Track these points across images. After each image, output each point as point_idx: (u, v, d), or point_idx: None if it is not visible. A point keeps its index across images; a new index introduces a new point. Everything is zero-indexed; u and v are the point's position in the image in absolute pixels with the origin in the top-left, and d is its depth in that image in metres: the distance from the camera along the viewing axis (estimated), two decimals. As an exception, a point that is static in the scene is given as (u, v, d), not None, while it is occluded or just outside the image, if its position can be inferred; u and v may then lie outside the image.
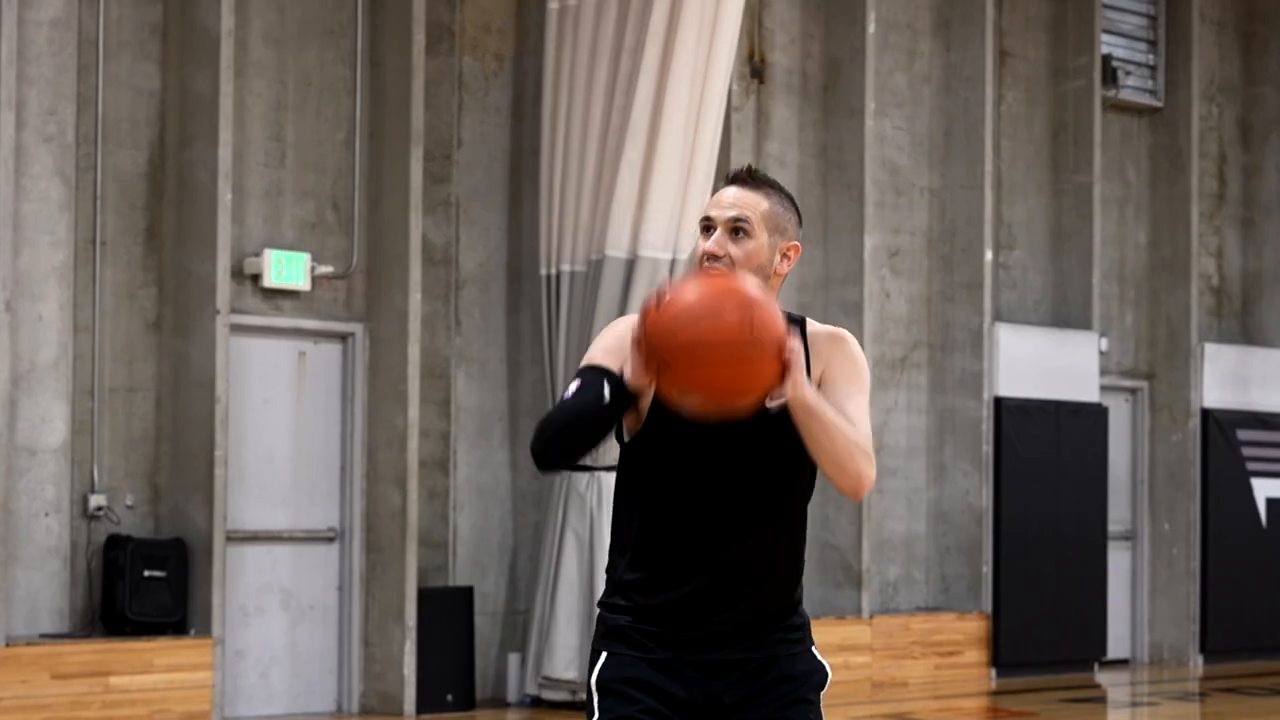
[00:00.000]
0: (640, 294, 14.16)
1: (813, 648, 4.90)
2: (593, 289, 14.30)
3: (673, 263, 14.29)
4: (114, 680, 12.74)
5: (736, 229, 4.71)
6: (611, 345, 4.71)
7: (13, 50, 12.55)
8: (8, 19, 12.47)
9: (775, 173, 16.31)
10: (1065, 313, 18.44)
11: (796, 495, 4.79)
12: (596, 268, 14.30)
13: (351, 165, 14.42)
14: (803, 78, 17.02)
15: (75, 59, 13.32)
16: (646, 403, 4.64)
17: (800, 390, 4.45)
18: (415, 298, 14.09)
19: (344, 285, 14.35)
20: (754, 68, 16.72)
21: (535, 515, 14.83)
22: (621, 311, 14.21)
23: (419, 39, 14.21)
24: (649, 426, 4.69)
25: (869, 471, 4.61)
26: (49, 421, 13.11)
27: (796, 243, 4.82)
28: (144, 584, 12.95)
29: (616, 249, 14.24)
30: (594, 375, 4.59)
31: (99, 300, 13.32)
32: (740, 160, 16.22)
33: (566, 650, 14.25)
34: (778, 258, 4.77)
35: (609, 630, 4.81)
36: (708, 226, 4.75)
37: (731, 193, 4.77)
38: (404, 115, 14.18)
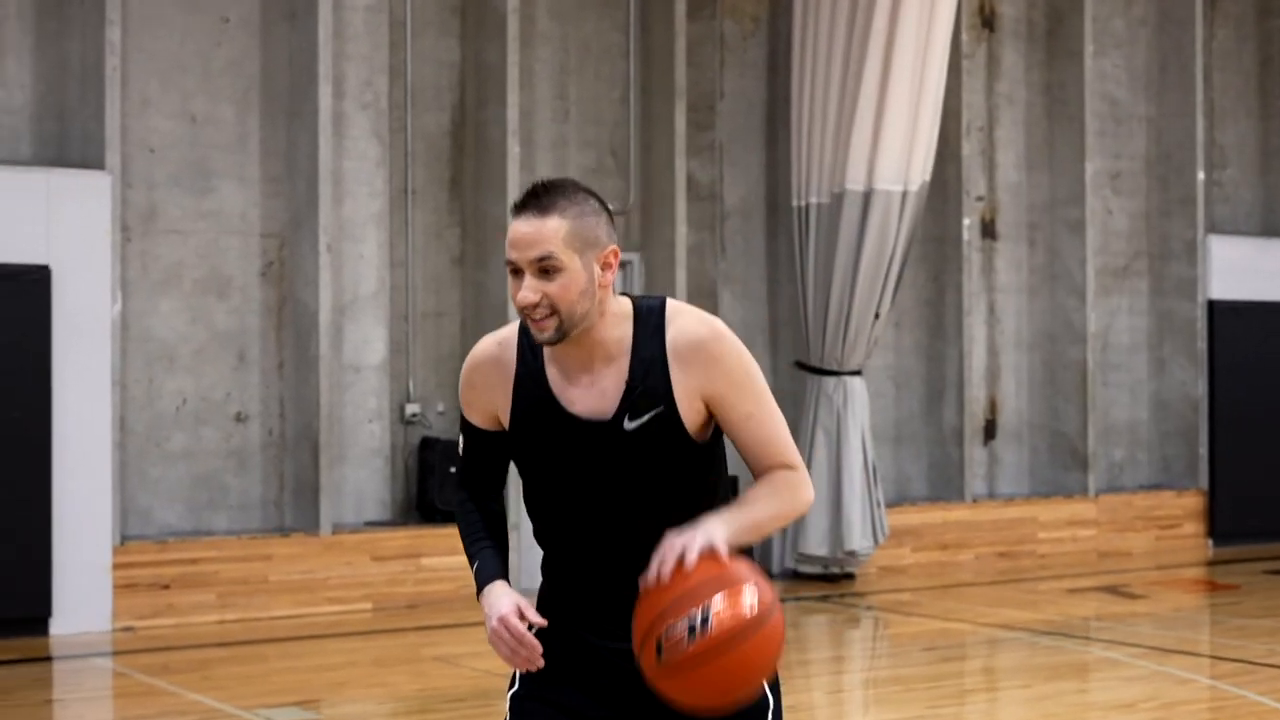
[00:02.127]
0: (876, 223, 13.42)
1: None
2: (834, 218, 13.60)
3: (904, 194, 13.49)
4: (425, 561, 12.44)
5: (544, 269, 3.55)
6: (464, 401, 3.81)
7: (328, 33, 12.22)
8: (324, 6, 12.14)
9: (1005, 111, 15.40)
10: (1274, 223, 17.18)
11: (682, 490, 3.69)
12: (838, 199, 13.58)
13: (626, 118, 13.87)
14: (1028, 25, 15.99)
15: (387, 37, 12.97)
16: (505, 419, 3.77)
17: (718, 542, 3.45)
18: (682, 230, 13.54)
19: (622, 221, 13.83)
20: (985, 19, 15.75)
21: (792, 413, 14.15)
22: (859, 239, 13.48)
23: (682, 7, 13.60)
24: (513, 434, 3.75)
25: (807, 500, 3.73)
26: (370, 343, 12.84)
27: (613, 247, 3.65)
28: (450, 479, 12.62)
29: (855, 183, 13.51)
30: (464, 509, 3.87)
31: (411, 240, 13.00)
32: (972, 101, 15.32)
33: (818, 531, 13.64)
34: (597, 271, 3.60)
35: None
36: (515, 270, 3.59)
37: (524, 228, 3.57)
38: (669, 73, 13.61)
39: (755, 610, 3.38)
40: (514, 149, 12.83)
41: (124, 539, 11.55)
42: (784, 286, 14.43)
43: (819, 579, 13.76)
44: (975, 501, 15.04)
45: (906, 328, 15.20)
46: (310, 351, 12.18)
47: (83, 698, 9.70)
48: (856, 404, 13.75)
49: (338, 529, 12.27)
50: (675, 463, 3.67)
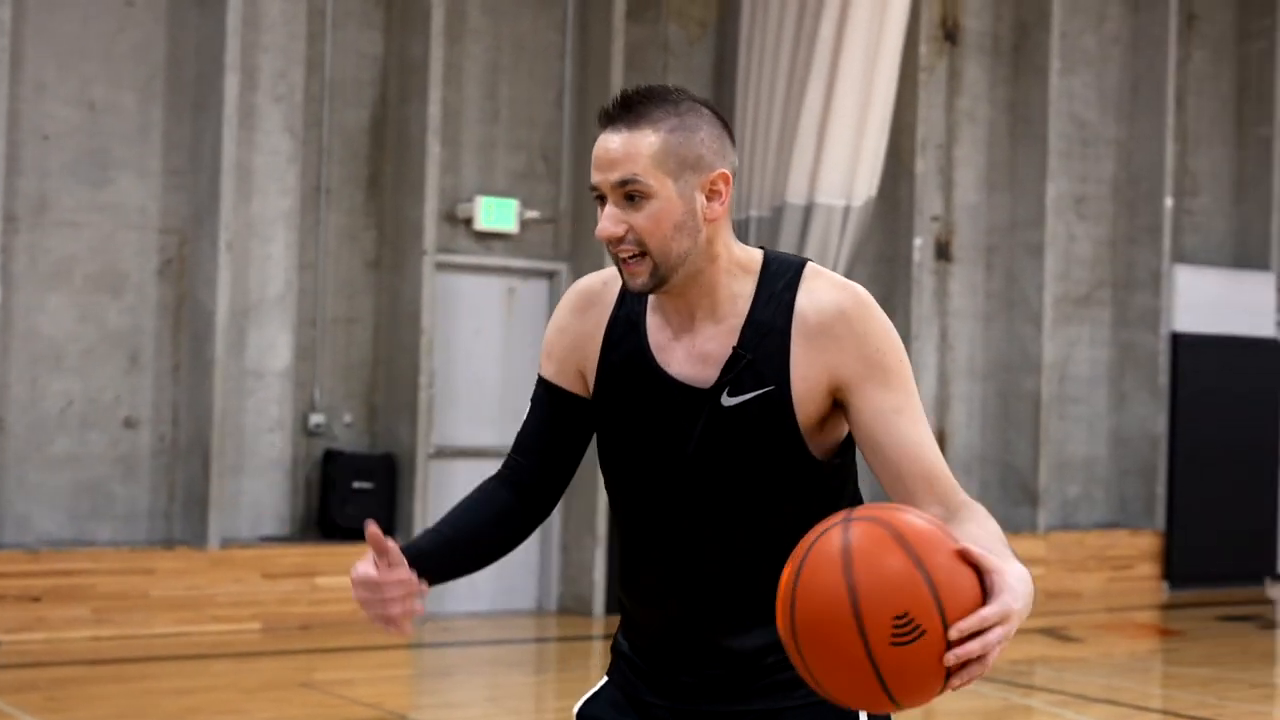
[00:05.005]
0: (817, 238, 12.68)
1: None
2: (774, 231, 12.85)
3: (847, 209, 12.74)
4: (320, 580, 11.70)
5: (629, 194, 2.86)
6: (549, 348, 3.14)
7: (239, 20, 11.49)
8: (234, -7, 11.45)
9: (965, 128, 14.67)
10: (1245, 255, 16.40)
11: (789, 510, 2.95)
12: (778, 212, 12.84)
13: (559, 121, 13.13)
14: (993, 39, 15.23)
15: (305, 28, 12.25)
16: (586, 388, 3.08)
17: (1014, 611, 2.52)
18: (613, 240, 12.77)
19: (550, 228, 13.09)
20: (947, 31, 14.99)
21: (727, 436, 13.42)
22: (799, 253, 12.73)
23: (620, 7, 12.86)
24: (597, 391, 3.06)
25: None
26: (274, 348, 12.10)
27: (723, 170, 2.90)
28: (354, 494, 11.89)
29: (796, 196, 12.75)
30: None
31: (322, 241, 12.26)
32: (930, 117, 14.58)
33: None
34: (701, 200, 2.88)
35: (612, 650, 3.24)
36: (599, 197, 2.92)
37: (608, 142, 2.88)
38: (607, 76, 12.85)
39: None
40: (434, 149, 12.11)
41: (-6, 547, 10.84)
42: (723, 303, 13.67)
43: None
44: (918, 535, 14.23)
45: (853, 351, 14.41)
46: (207, 355, 11.45)
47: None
48: (791, 429, 12.99)
49: (228, 543, 11.51)
50: (783, 466, 2.92)
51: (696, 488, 2.94)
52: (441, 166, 12.34)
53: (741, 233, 13.03)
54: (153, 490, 11.65)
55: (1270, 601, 15.34)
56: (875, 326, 2.88)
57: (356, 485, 11.89)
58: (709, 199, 2.89)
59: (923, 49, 14.33)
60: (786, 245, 12.71)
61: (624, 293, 3.04)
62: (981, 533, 2.74)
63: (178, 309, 11.71)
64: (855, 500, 3.01)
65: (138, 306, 11.62)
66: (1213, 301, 15.75)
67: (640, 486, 3.02)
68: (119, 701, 9.23)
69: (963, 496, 2.84)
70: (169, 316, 11.70)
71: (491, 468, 11.84)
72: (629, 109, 2.89)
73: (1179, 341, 15.50)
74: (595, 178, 2.90)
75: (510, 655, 11.77)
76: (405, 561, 3.00)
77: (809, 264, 2.95)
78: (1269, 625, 14.10)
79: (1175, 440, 15.50)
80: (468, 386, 12.73)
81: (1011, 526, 14.77)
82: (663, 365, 2.96)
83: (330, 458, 12.03)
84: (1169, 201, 15.51)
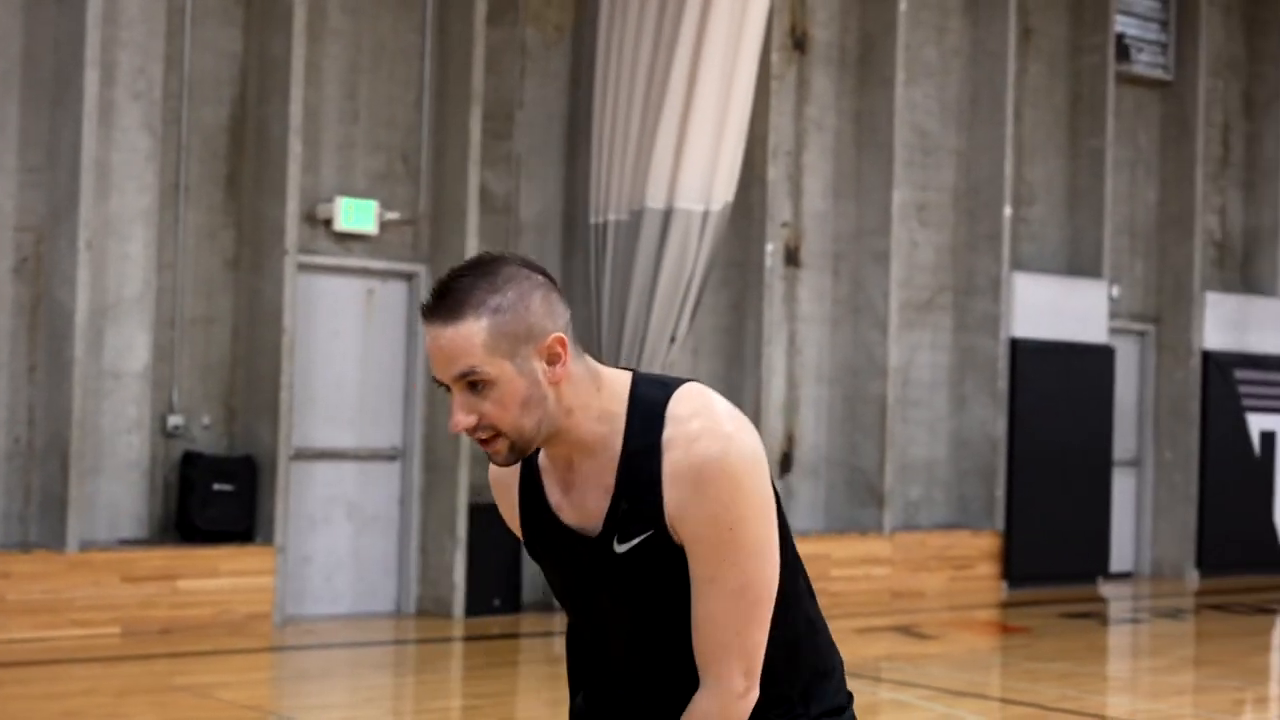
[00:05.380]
0: (676, 242, 12.76)
1: None
2: (633, 236, 12.89)
3: (705, 214, 12.83)
4: (181, 584, 11.52)
5: (471, 384, 2.82)
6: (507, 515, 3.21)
7: (98, 14, 11.28)
8: (95, -12, 11.23)
9: (813, 136, 14.85)
10: (1079, 263, 16.79)
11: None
12: (637, 217, 12.88)
13: (419, 122, 13.07)
14: (840, 50, 15.45)
15: (164, 24, 12.06)
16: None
17: None
18: (473, 242, 12.76)
19: (410, 230, 13.03)
20: (796, 40, 15.18)
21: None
22: (658, 258, 12.81)
23: (481, 10, 12.83)
24: (525, 544, 3.16)
25: (738, 693, 2.92)
26: (132, 349, 11.89)
27: (557, 334, 2.84)
28: (214, 497, 11.72)
29: (655, 200, 12.81)
30: None
31: (181, 240, 12.08)
32: (780, 124, 14.73)
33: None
34: (541, 367, 2.84)
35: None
36: (445, 386, 2.89)
37: (440, 340, 2.82)
38: (466, 78, 12.82)
39: None
40: (296, 148, 11.99)
41: None
42: (578, 307, 13.66)
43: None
44: (769, 536, 14.38)
45: (704, 355, 14.52)
46: (65, 355, 11.21)
47: None
48: (649, 431, 13.03)
49: (87, 546, 11.29)
50: (685, 588, 2.92)
51: (615, 618, 3.01)
52: (301, 166, 12.21)
53: (600, 237, 13.08)
54: (8, 493, 11.38)
55: (1103, 599, 15.73)
56: (721, 485, 2.83)
57: (217, 487, 11.72)
58: (549, 363, 2.84)
59: (774, 57, 14.50)
60: (646, 249, 12.78)
61: None
62: None
63: (34, 309, 11.46)
64: (799, 611, 3.06)
65: (-7, 305, 11.36)
66: (1048, 308, 16.11)
67: (571, 610, 3.12)
68: (-11, 706, 9.02)
69: (713, 682, 2.91)
70: (25, 316, 11.45)
71: (349, 469, 11.71)
72: (447, 300, 2.81)
73: (1017, 346, 15.84)
74: (436, 372, 2.86)
75: (376, 657, 11.70)
76: None
77: (676, 394, 2.89)
78: (1108, 621, 14.46)
79: (1014, 443, 15.82)
80: (325, 388, 12.62)
81: (858, 527, 14.99)
82: (557, 514, 3.01)
83: (190, 459, 11.85)
84: (1008, 210, 15.85)
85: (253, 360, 12.13)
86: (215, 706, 9.21)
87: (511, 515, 3.15)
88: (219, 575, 11.63)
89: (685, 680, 2.96)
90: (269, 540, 11.88)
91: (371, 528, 12.84)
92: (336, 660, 11.37)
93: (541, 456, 3.02)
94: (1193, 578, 17.17)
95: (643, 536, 2.89)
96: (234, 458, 11.90)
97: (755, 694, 2.91)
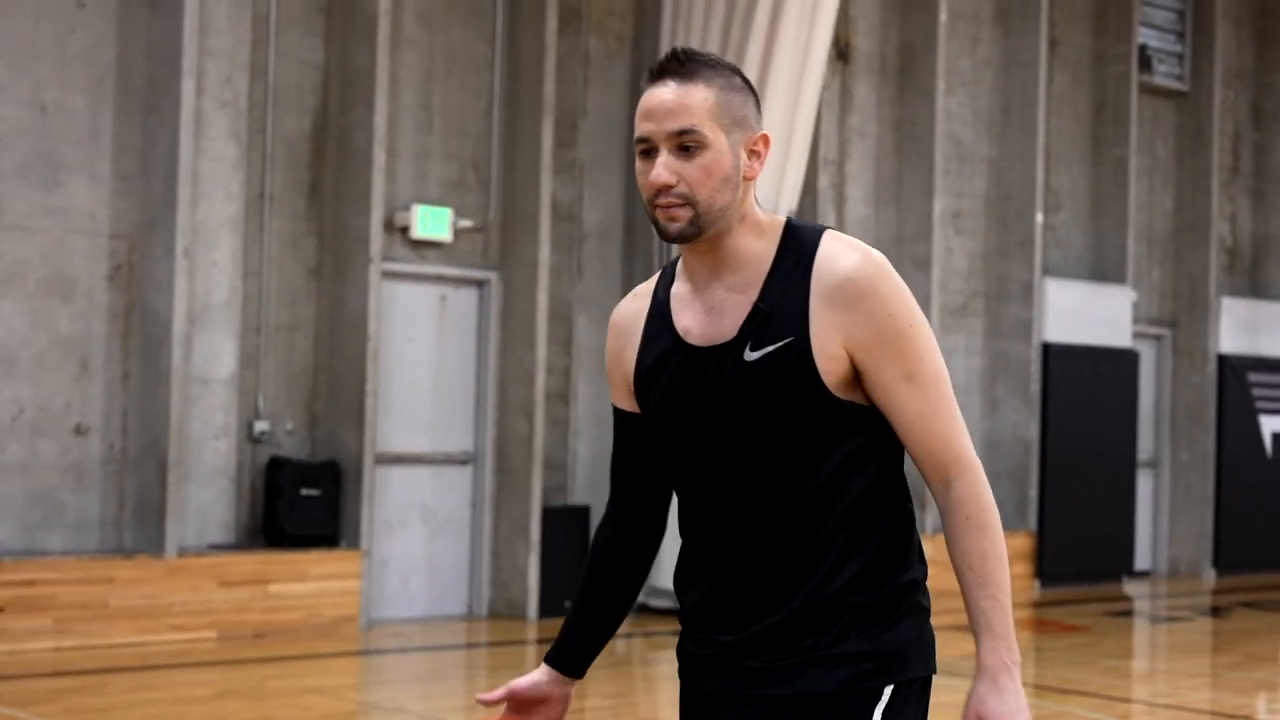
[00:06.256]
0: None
1: (884, 693, 2.95)
2: (701, 245, 13.00)
3: (772, 223, 12.97)
4: (273, 588, 11.57)
5: (684, 145, 2.87)
6: (609, 376, 3.19)
7: (194, 24, 11.31)
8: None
9: (855, 145, 15.01)
10: (1103, 269, 17.06)
11: (826, 468, 2.92)
12: (704, 226, 12.99)
13: (490, 132, 13.15)
14: (881, 60, 15.62)
15: (250, 33, 12.07)
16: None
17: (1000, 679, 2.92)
18: (544, 250, 12.85)
19: (481, 238, 13.10)
20: (840, 51, 15.34)
21: (645, 442, 13.55)
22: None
23: (552, 21, 12.93)
24: (637, 388, 3.10)
25: (995, 518, 2.98)
26: (219, 356, 11.92)
27: (764, 132, 2.96)
28: (301, 501, 11.77)
29: (722, 210, 12.93)
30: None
31: (266, 248, 12.11)
32: (826, 133, 14.89)
33: (669, 564, 13.00)
34: (744, 157, 2.91)
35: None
36: (647, 149, 2.91)
37: (664, 94, 2.89)
38: (537, 88, 12.91)
39: None
40: (380, 157, 12.04)
41: (-45, 558, 10.52)
42: (638, 312, 13.80)
43: (669, 613, 13.17)
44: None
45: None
46: (161, 363, 11.24)
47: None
48: (714, 436, 13.19)
49: (183, 552, 11.33)
50: (813, 414, 2.89)
51: (734, 445, 2.93)
52: (384, 174, 12.26)
53: (664, 246, 13.20)
54: (103, 499, 11.39)
55: (1129, 597, 15.99)
56: (888, 290, 2.86)
57: (304, 492, 11.77)
58: (750, 158, 2.92)
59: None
60: (713, 257, 12.90)
61: (655, 294, 3.09)
62: (974, 555, 2.94)
63: (127, 315, 11.47)
64: (895, 449, 3.01)
65: (87, 312, 11.36)
66: (1075, 313, 16.35)
67: (683, 455, 3.02)
68: (112, 714, 9.05)
69: (957, 470, 2.91)
70: (119, 323, 11.46)
71: (426, 474, 11.82)
72: (683, 64, 2.90)
73: (1049, 351, 16.08)
74: (646, 128, 2.89)
75: (466, 659, 11.78)
76: (540, 685, 3.21)
77: (830, 229, 2.95)
78: (1156, 619, 14.72)
79: (1045, 445, 16.06)
80: (401, 393, 12.69)
81: (901, 529, 15.16)
82: (684, 337, 2.98)
83: (276, 465, 11.89)
84: (1040, 217, 16.08)
85: (335, 366, 12.18)
86: (308, 709, 9.27)
87: (623, 360, 3.11)
88: (308, 579, 11.69)
89: (800, 542, 2.93)
90: (354, 544, 11.94)
91: (445, 531, 12.92)
92: (427, 662, 11.44)
93: (676, 286, 3.04)
94: (1209, 576, 17.48)
95: (778, 344, 2.88)
96: (319, 463, 11.96)
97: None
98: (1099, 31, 17.29)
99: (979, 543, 2.95)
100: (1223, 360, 17.63)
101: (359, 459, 11.95)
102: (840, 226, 15.27)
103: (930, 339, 2.90)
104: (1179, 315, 17.92)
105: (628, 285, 13.78)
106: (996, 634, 2.92)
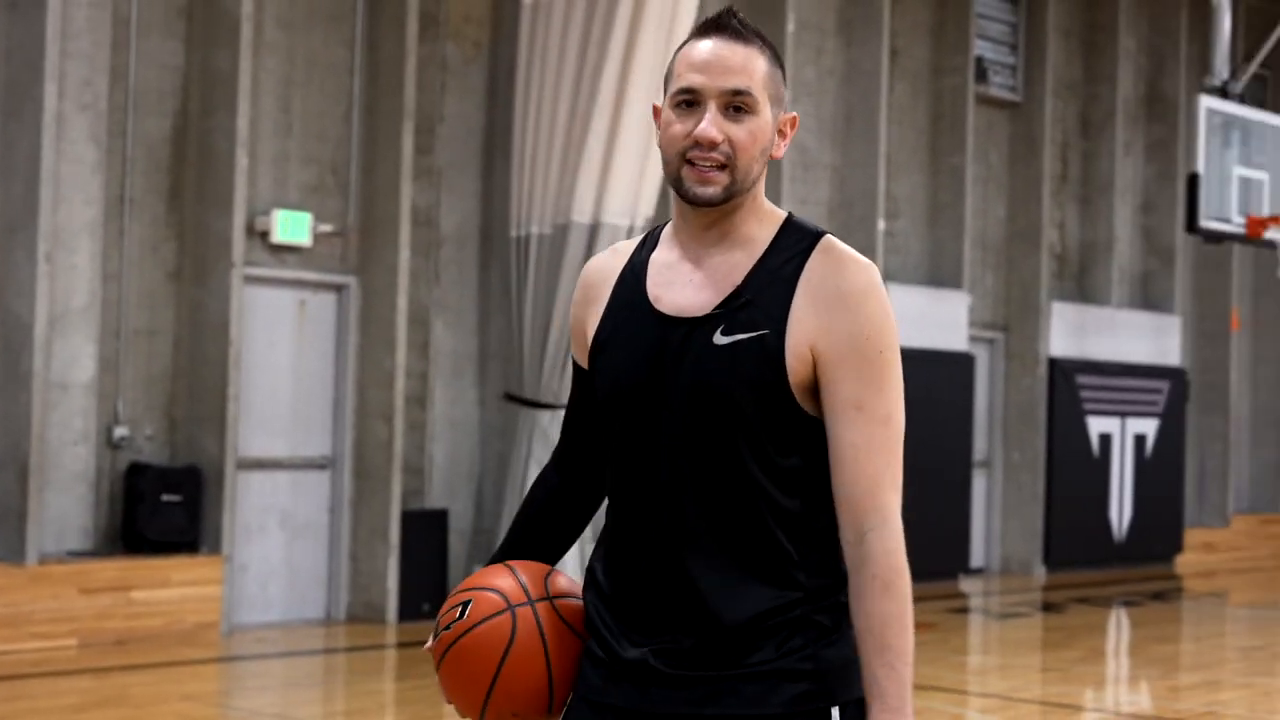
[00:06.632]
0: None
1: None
2: (558, 249, 13.13)
3: (630, 229, 13.15)
4: (135, 595, 11.48)
5: (735, 106, 2.76)
6: (571, 329, 3.04)
7: (57, 27, 11.17)
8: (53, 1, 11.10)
9: (706, 150, 15.18)
10: (940, 274, 17.46)
11: (776, 478, 2.80)
12: (562, 231, 13.13)
13: (349, 136, 13.14)
14: (731, 68, 15.82)
15: (110, 36, 11.94)
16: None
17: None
18: (405, 255, 12.88)
19: (340, 242, 13.09)
20: (691, 58, 15.50)
21: (500, 445, 13.66)
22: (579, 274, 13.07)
23: (412, 27, 12.95)
24: (592, 348, 2.96)
25: (904, 578, 2.81)
26: (79, 361, 11.79)
27: (794, 114, 2.91)
28: (161, 507, 11.68)
29: (581, 215, 13.07)
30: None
31: (126, 252, 12.00)
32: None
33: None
34: (776, 137, 2.84)
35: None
36: (691, 101, 2.76)
37: (724, 50, 2.77)
38: (397, 93, 12.92)
39: (463, 619, 2.92)
40: (242, 161, 11.99)
41: None
42: (494, 317, 13.89)
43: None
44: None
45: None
46: (21, 367, 11.09)
47: None
48: (572, 440, 13.30)
49: (44, 559, 11.20)
50: (771, 415, 2.76)
51: (679, 429, 2.79)
52: (246, 178, 12.20)
53: (522, 249, 13.29)
54: (-39, 505, 11.22)
55: (965, 594, 16.40)
56: (874, 308, 2.76)
57: (165, 498, 11.69)
58: (779, 138, 2.85)
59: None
60: (572, 262, 13.03)
61: (636, 249, 2.96)
62: (876, 619, 2.77)
63: (-14, 319, 11.31)
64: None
65: (-55, 317, 11.18)
66: (914, 317, 16.70)
67: (625, 427, 2.86)
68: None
69: (875, 522, 2.77)
70: (-23, 327, 11.29)
71: (284, 478, 11.78)
72: (742, 25, 2.80)
73: (889, 355, 16.39)
74: (696, 80, 2.76)
75: (329, 663, 11.78)
76: None
77: (829, 234, 2.86)
78: (999, 615, 15.12)
79: (885, 447, 16.37)
80: (260, 398, 12.64)
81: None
82: (654, 303, 2.85)
83: (136, 470, 11.79)
84: (881, 224, 16.41)
85: (196, 371, 12.10)
86: (171, 718, 9.26)
87: (586, 316, 2.97)
88: (170, 586, 11.61)
89: (743, 547, 2.79)
90: (215, 550, 11.88)
91: (303, 535, 12.90)
92: (292, 668, 11.42)
93: (658, 252, 2.91)
94: (1040, 573, 17.98)
95: (751, 334, 2.76)
96: (179, 468, 11.87)
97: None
98: (937, 43, 17.67)
99: (883, 605, 2.77)
100: (1053, 363, 18.13)
101: (220, 464, 11.89)
102: (690, 232, 15.46)
103: (895, 377, 2.79)
104: (1011, 320, 18.38)
105: (484, 290, 13.86)
106: (889, 706, 2.76)
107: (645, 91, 12.99)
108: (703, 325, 2.78)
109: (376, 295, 12.97)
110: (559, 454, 3.13)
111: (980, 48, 17.99)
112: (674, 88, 2.79)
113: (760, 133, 2.77)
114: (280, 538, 12.78)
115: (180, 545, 11.78)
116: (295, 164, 12.87)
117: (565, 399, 13.08)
